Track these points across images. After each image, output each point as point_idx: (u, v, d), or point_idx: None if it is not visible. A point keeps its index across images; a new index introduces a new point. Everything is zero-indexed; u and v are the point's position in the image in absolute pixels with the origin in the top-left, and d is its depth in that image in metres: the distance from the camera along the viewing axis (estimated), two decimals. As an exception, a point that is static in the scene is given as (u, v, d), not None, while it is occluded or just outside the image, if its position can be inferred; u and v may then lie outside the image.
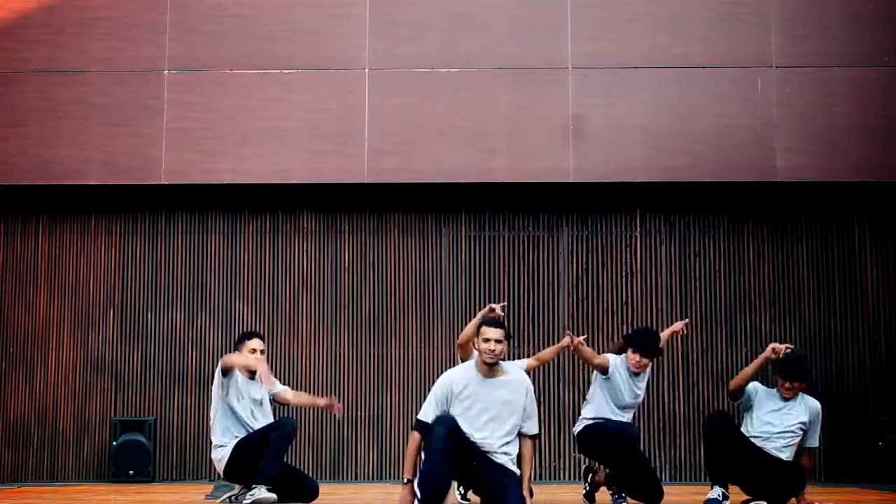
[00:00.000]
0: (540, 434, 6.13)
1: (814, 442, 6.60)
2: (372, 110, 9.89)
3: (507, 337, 6.01)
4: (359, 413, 10.15)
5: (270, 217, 10.45)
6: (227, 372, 6.66)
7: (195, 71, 9.97)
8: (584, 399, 6.88)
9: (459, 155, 9.84)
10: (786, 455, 6.47)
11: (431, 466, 5.66)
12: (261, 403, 6.84)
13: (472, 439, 5.83)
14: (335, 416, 7.22)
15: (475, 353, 6.29)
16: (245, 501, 6.38)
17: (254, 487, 6.38)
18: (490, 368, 5.91)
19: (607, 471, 6.78)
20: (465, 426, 5.82)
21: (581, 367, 9.98)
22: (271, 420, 6.84)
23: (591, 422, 6.68)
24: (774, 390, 6.57)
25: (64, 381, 10.28)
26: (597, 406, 6.69)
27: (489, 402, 5.87)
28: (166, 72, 9.97)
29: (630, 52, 9.92)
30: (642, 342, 6.65)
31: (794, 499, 6.45)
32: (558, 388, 10.15)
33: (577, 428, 6.79)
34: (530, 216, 10.41)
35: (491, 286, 10.19)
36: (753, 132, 9.78)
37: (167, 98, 9.94)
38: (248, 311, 10.28)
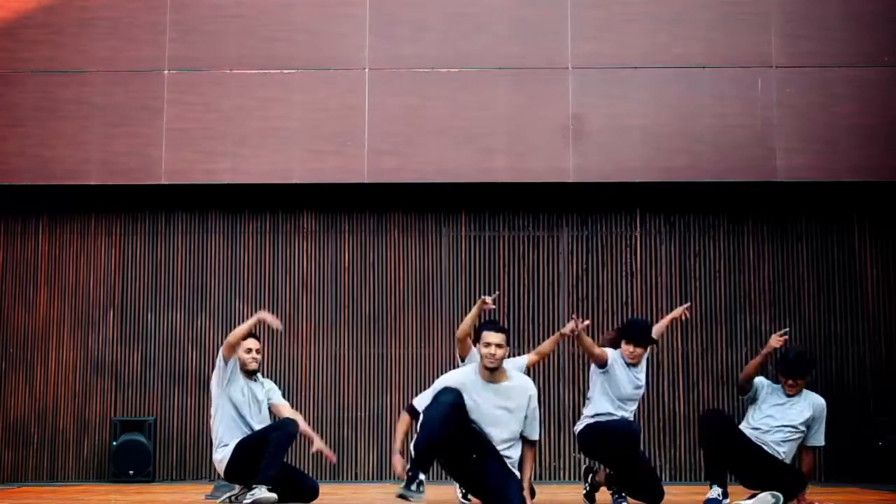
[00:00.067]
0: (540, 434, 6.10)
1: (818, 441, 6.59)
2: (372, 110, 9.89)
3: (509, 342, 5.97)
4: (359, 413, 10.15)
5: (270, 217, 10.45)
6: (228, 360, 6.67)
7: (195, 71, 9.97)
8: (586, 398, 6.86)
9: (459, 155, 9.84)
10: (784, 449, 6.47)
11: (431, 429, 5.59)
12: (259, 409, 6.82)
13: (477, 425, 5.79)
14: (329, 462, 7.23)
15: (474, 349, 6.29)
16: (245, 501, 6.38)
17: (254, 487, 6.38)
18: (492, 373, 5.86)
19: (607, 471, 6.78)
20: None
21: (581, 367, 9.99)
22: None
23: (592, 420, 6.66)
24: (779, 386, 6.59)
25: (64, 381, 10.28)
26: (599, 401, 6.65)
27: (490, 408, 5.84)
28: (166, 72, 9.97)
29: (630, 52, 9.92)
30: (634, 332, 6.67)
31: (794, 499, 6.45)
32: (558, 388, 10.15)
33: (579, 427, 6.78)
34: (530, 216, 10.41)
35: (491, 286, 10.18)
36: (753, 132, 9.78)
37: (167, 98, 9.94)
38: (248, 311, 10.24)
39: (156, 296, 10.36)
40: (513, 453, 5.91)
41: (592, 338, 6.76)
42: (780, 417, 6.50)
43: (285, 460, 6.86)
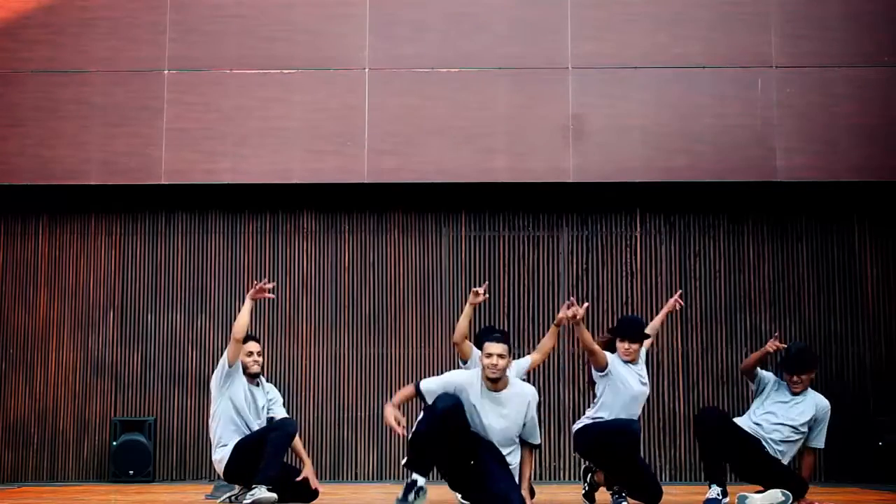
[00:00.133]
0: (540, 435, 6.10)
1: (819, 442, 6.59)
2: (372, 110, 9.89)
3: (510, 352, 5.96)
4: (359, 413, 10.15)
5: (270, 217, 10.45)
6: (233, 363, 6.67)
7: (195, 71, 9.97)
8: (593, 397, 6.79)
9: (459, 155, 9.84)
10: (782, 448, 6.47)
11: (426, 440, 5.67)
12: (258, 414, 6.81)
13: (475, 429, 5.80)
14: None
15: (476, 351, 6.29)
16: (245, 501, 6.39)
17: (254, 487, 6.38)
18: (494, 382, 5.89)
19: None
20: None
21: (581, 367, 9.99)
22: None
23: (590, 421, 6.65)
24: (786, 383, 6.59)
25: (64, 381, 10.28)
26: (606, 403, 6.58)
27: (490, 415, 5.86)
28: (166, 72, 9.97)
29: (630, 52, 9.92)
30: (625, 328, 6.66)
31: (795, 501, 6.45)
32: (558, 388, 10.15)
33: (577, 426, 6.75)
34: (530, 216, 10.41)
35: (491, 286, 10.17)
36: (753, 132, 9.78)
37: (167, 98, 9.94)
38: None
39: (156, 296, 10.36)
40: (512, 460, 5.92)
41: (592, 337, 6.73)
42: (781, 415, 6.50)
43: (285, 460, 6.87)
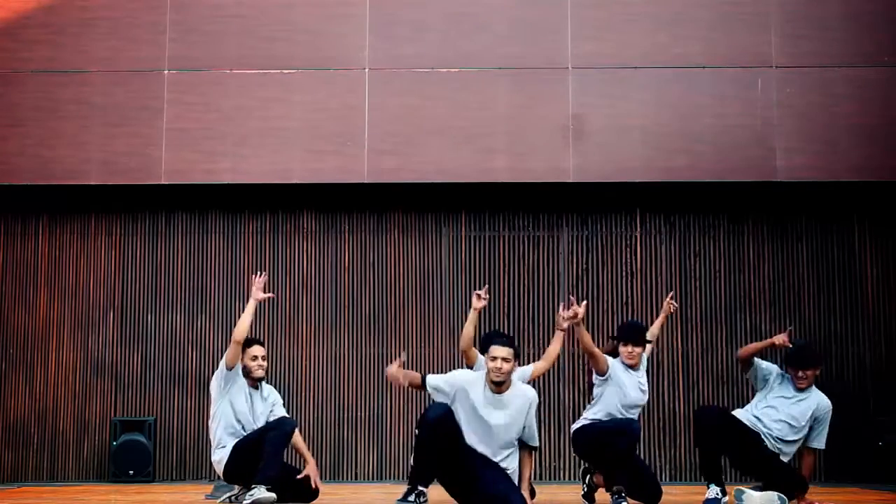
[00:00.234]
0: (540, 435, 6.11)
1: (819, 443, 6.58)
2: (372, 110, 9.89)
3: (517, 356, 5.98)
4: (359, 413, 10.15)
5: (270, 217, 10.45)
6: (231, 367, 6.66)
7: (195, 71, 9.97)
8: (591, 398, 6.81)
9: (459, 155, 9.84)
10: (781, 447, 6.46)
11: (425, 451, 5.72)
12: (257, 419, 6.79)
13: (469, 443, 5.83)
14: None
15: (481, 357, 6.30)
16: (245, 501, 6.38)
17: (253, 487, 6.37)
18: (497, 386, 5.91)
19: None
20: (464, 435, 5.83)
21: (581, 367, 9.99)
22: None
23: (588, 422, 6.65)
24: (790, 379, 6.58)
25: (64, 381, 10.28)
26: (604, 406, 6.60)
27: (491, 417, 5.87)
28: (166, 72, 9.97)
29: (630, 52, 9.92)
30: (629, 332, 6.70)
31: (794, 500, 6.44)
32: (558, 388, 10.15)
33: (575, 426, 6.75)
34: (530, 216, 10.41)
35: (491, 286, 10.17)
36: (753, 132, 9.78)
37: (167, 98, 9.94)
38: (248, 312, 10.26)
39: (156, 296, 10.36)
40: (510, 464, 5.92)
41: (592, 339, 6.74)
42: (782, 411, 6.49)
43: (285, 460, 6.86)
